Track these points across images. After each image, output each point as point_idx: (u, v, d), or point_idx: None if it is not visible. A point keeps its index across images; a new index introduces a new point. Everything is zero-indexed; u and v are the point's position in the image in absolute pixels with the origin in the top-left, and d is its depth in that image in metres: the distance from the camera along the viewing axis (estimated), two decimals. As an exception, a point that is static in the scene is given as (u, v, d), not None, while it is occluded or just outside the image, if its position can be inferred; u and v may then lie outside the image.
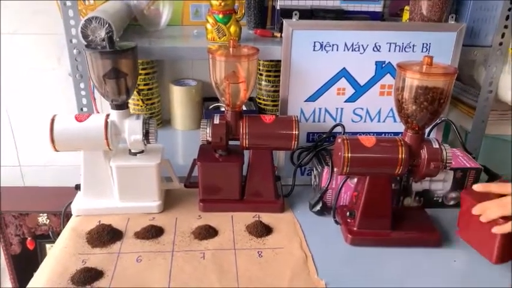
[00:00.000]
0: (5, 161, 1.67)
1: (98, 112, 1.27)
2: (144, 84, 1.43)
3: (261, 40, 1.18)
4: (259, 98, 1.52)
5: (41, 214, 1.62)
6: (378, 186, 0.94)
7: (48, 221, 1.63)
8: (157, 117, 1.52)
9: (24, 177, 1.71)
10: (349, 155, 0.90)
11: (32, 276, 1.76)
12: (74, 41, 1.03)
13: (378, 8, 1.21)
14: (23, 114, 1.60)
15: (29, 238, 1.67)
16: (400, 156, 0.90)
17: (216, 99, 1.49)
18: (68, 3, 0.99)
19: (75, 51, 1.03)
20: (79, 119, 0.96)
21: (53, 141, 0.95)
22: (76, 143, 0.97)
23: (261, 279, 0.85)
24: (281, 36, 1.12)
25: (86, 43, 0.98)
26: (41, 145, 1.64)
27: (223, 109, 1.44)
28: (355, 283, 0.86)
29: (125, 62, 0.94)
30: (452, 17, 1.07)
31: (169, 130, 1.54)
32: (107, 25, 0.97)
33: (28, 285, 0.84)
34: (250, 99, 1.56)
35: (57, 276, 0.84)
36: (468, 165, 1.08)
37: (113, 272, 0.86)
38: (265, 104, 1.50)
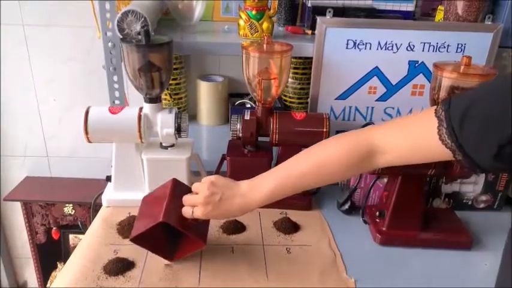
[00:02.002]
0: (33, 151, 1.71)
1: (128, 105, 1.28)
2: (172, 79, 1.44)
3: (292, 37, 1.18)
4: (285, 96, 1.52)
5: (67, 204, 1.65)
6: (410, 187, 0.94)
7: (73, 211, 1.65)
8: (184, 112, 1.53)
9: (52, 167, 1.74)
10: (382, 154, 0.89)
11: (55, 265, 1.80)
12: (109, 34, 1.04)
13: (410, 7, 1.20)
14: (52, 105, 1.63)
15: (54, 228, 1.70)
16: (434, 156, 0.89)
17: (242, 96, 1.50)
18: (105, -4, 1.00)
19: (110, 44, 1.04)
20: (113, 111, 0.97)
21: (86, 132, 0.96)
22: (109, 134, 0.99)
23: (291, 275, 0.85)
24: (312, 33, 1.12)
25: (121, 36, 0.99)
26: (68, 136, 1.66)
27: (248, 105, 1.45)
28: (384, 282, 0.86)
29: (160, 56, 0.95)
30: (489, 18, 1.05)
31: (195, 125, 1.54)
32: (143, 19, 0.98)
33: (63, 269, 0.85)
34: (276, 96, 1.56)
35: (91, 263, 0.85)
36: (500, 168, 1.06)
37: (144, 263, 0.87)
38: (290, 102, 1.50)
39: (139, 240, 0.82)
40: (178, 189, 0.84)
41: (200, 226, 0.83)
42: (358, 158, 0.72)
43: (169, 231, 0.82)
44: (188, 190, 0.84)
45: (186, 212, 0.80)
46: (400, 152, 0.70)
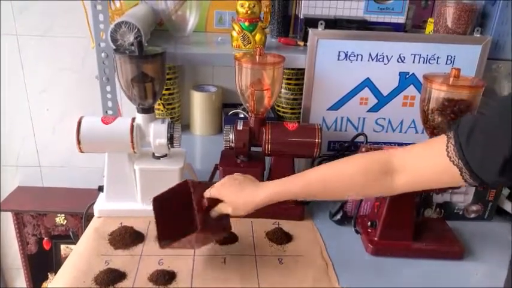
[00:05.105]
0: (25, 161, 1.70)
1: (121, 115, 1.28)
2: (166, 89, 1.45)
3: (284, 48, 1.19)
4: (278, 106, 1.53)
5: (59, 214, 1.63)
6: (401, 197, 0.92)
7: (65, 221, 1.64)
8: (177, 122, 1.53)
9: (44, 177, 1.73)
10: (373, 164, 0.90)
11: (46, 276, 1.78)
12: (103, 44, 1.04)
13: (400, 19, 1.21)
14: (45, 115, 1.63)
15: (45, 238, 1.68)
16: (424, 167, 0.89)
17: (236, 106, 1.51)
18: (99, 7, 1.01)
19: (103, 54, 1.05)
20: (105, 121, 0.98)
21: (79, 142, 0.96)
22: (102, 145, 0.99)
23: (283, 286, 0.85)
24: (305, 45, 1.13)
25: (114, 47, 1.00)
26: (61, 146, 1.66)
27: (242, 115, 1.45)
28: (377, 293, 0.86)
29: (153, 67, 0.96)
30: (477, 30, 1.07)
31: (188, 135, 1.55)
32: (136, 30, 0.99)
33: (53, 280, 0.85)
34: (269, 106, 1.57)
35: (82, 274, 0.85)
36: (490, 179, 1.07)
37: (136, 273, 0.86)
38: (284, 112, 1.51)
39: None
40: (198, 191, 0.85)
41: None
42: (374, 175, 0.72)
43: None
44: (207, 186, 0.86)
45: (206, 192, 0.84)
46: (413, 172, 0.70)
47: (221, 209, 0.83)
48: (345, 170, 0.75)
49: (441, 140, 0.65)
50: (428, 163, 0.68)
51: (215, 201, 0.83)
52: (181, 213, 0.85)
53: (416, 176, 0.70)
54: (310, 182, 0.78)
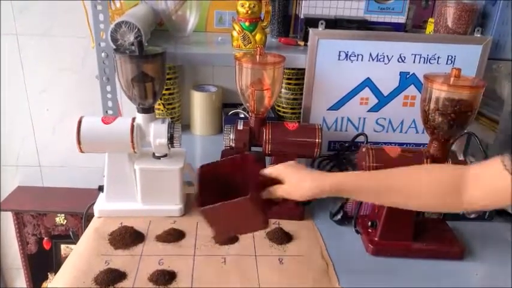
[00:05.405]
0: (25, 161, 1.70)
1: (122, 115, 1.28)
2: (166, 89, 1.45)
3: (284, 48, 1.19)
4: (279, 106, 1.53)
5: (59, 214, 1.63)
6: (401, 197, 0.94)
7: (65, 221, 1.64)
8: (177, 122, 1.53)
9: (44, 177, 1.73)
10: (374, 164, 0.90)
11: (46, 276, 1.78)
12: (103, 44, 1.04)
13: (401, 19, 1.21)
14: (45, 115, 1.63)
15: (45, 238, 1.68)
16: (425, 167, 0.89)
17: (236, 106, 1.51)
18: (99, 7, 1.01)
19: (103, 54, 1.05)
20: (106, 121, 0.97)
21: (79, 142, 0.96)
22: (102, 145, 0.99)
23: (283, 286, 0.85)
24: (305, 45, 1.13)
25: (115, 47, 1.00)
26: (61, 146, 1.66)
27: (242, 115, 1.45)
28: (377, 293, 0.86)
29: (153, 67, 0.95)
30: (478, 30, 1.07)
31: (188, 135, 1.55)
32: (136, 30, 0.99)
33: (53, 280, 0.85)
34: (269, 106, 1.57)
35: (82, 274, 0.85)
36: (491, 179, 1.07)
37: (136, 273, 0.86)
38: (284, 112, 1.51)
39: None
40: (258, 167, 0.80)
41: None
42: (449, 187, 0.70)
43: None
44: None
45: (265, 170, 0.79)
46: (475, 187, 0.68)
47: (276, 190, 0.78)
48: (423, 177, 0.73)
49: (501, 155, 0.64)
50: (487, 176, 0.67)
51: (270, 183, 0.78)
52: (227, 190, 0.77)
53: (478, 191, 0.68)
54: (383, 183, 0.74)
